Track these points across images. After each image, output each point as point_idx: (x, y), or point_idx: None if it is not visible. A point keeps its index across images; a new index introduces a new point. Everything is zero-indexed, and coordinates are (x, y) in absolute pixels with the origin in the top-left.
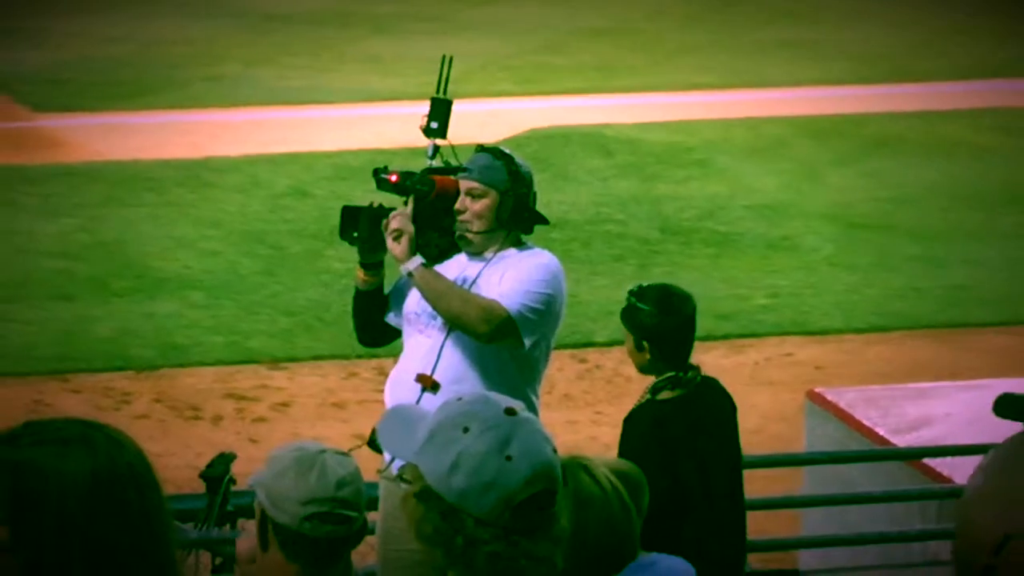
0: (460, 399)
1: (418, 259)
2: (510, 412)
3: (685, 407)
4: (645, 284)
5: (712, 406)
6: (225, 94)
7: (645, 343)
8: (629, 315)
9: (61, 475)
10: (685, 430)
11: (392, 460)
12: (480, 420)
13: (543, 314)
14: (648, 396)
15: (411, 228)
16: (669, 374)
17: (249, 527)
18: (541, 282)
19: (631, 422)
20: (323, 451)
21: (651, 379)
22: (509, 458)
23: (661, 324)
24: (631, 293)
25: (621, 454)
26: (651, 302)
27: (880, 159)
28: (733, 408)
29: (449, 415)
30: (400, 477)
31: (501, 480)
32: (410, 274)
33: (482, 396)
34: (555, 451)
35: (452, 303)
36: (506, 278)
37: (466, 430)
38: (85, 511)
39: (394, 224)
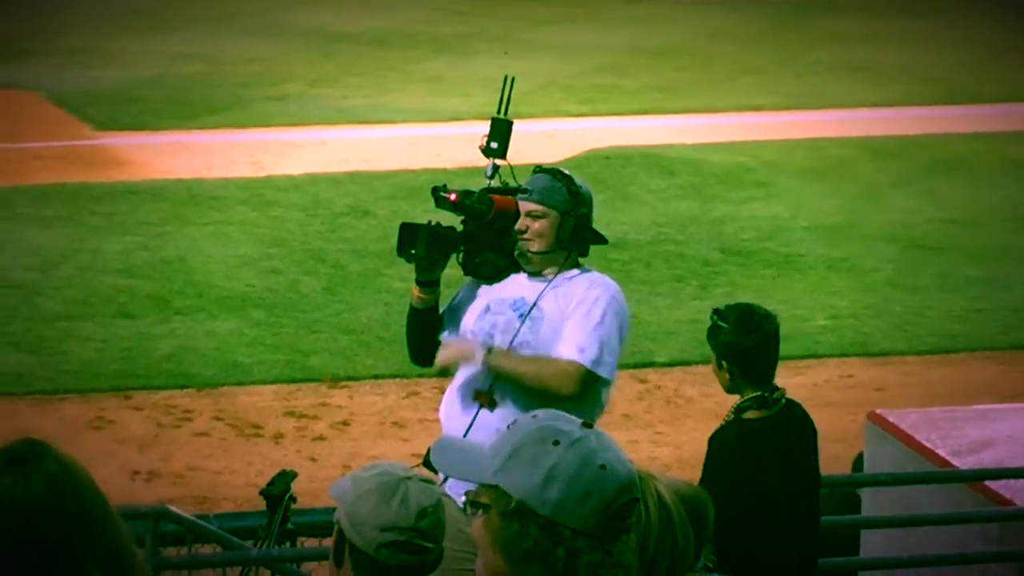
0: (534, 416)
1: (481, 352)
2: (587, 425)
3: (770, 428)
4: (729, 304)
5: (796, 429)
6: (289, 113)
7: (724, 362)
8: (711, 333)
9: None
10: (770, 451)
11: (445, 480)
12: (566, 434)
13: (616, 349)
14: (733, 415)
15: (461, 347)
16: (754, 394)
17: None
18: (610, 318)
19: (716, 441)
20: (408, 477)
21: (732, 399)
22: (603, 467)
23: (738, 342)
24: (714, 312)
25: (706, 472)
26: (730, 320)
27: (941, 180)
28: (815, 432)
29: (531, 431)
30: (472, 503)
31: (598, 489)
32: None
33: (555, 413)
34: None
35: (533, 378)
36: (574, 320)
37: (556, 443)
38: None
39: (448, 355)
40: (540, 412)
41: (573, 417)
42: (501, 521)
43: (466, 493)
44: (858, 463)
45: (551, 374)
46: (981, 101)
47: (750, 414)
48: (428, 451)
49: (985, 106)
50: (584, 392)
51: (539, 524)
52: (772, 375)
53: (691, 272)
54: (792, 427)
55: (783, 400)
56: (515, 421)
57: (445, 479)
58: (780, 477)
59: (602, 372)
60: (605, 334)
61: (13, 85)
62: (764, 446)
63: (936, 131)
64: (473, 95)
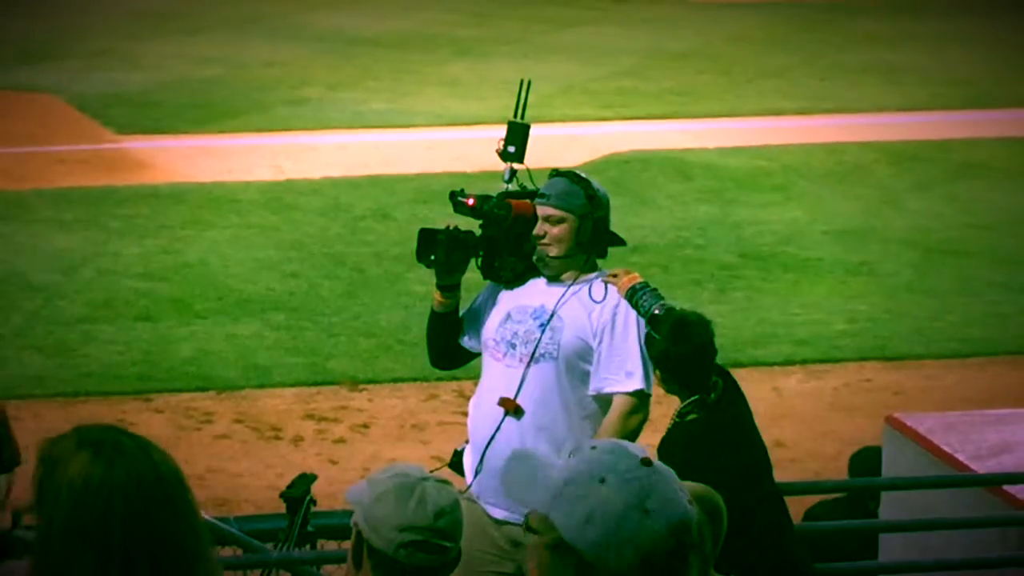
0: (595, 447)
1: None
2: (646, 463)
3: (713, 425)
4: (667, 309)
5: (736, 415)
6: (308, 117)
7: (658, 371)
8: (646, 342)
9: (86, 478)
10: (717, 447)
11: (470, 486)
12: (617, 472)
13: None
14: (676, 419)
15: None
16: (694, 398)
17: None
18: (643, 329)
19: (664, 448)
20: (425, 478)
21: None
22: (647, 512)
23: (671, 353)
24: (648, 320)
25: None
26: (663, 332)
27: (960, 184)
28: (748, 406)
29: (584, 465)
30: (527, 526)
31: (640, 535)
32: None
33: (618, 445)
34: (692, 503)
35: (618, 436)
36: (609, 344)
37: (603, 481)
38: (98, 516)
39: None
40: (603, 443)
41: (638, 449)
42: (545, 550)
43: (526, 513)
44: (857, 459)
45: (623, 423)
46: (1003, 105)
47: (692, 416)
48: (454, 453)
49: (1006, 110)
50: (649, 407)
51: (575, 564)
52: (709, 379)
53: (709, 276)
54: (732, 415)
55: (720, 385)
56: (579, 449)
57: (469, 487)
58: (731, 469)
59: (651, 384)
60: (643, 348)
61: (35, 88)
62: (710, 444)
63: (956, 135)
64: (492, 98)
